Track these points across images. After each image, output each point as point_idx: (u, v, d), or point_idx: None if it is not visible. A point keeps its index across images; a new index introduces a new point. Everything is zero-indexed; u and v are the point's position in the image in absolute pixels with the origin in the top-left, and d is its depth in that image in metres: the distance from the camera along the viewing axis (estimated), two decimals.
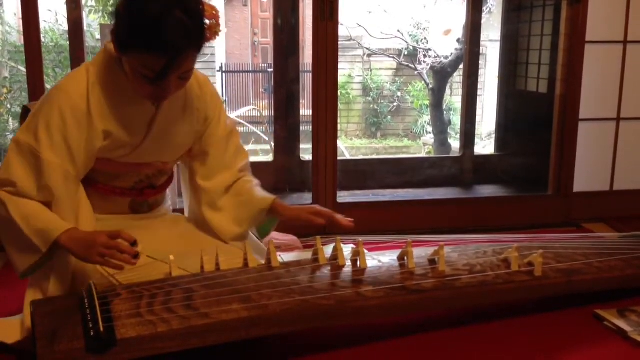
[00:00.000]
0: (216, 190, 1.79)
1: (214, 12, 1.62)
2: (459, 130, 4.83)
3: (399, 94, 8.42)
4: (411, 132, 8.40)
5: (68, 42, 2.80)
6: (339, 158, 2.80)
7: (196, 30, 1.47)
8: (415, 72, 6.74)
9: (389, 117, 8.48)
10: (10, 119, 5.71)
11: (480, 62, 3.67)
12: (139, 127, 1.63)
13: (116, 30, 1.48)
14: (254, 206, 1.77)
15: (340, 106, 2.91)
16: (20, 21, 2.75)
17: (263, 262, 1.72)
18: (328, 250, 1.76)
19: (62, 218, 1.53)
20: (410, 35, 7.08)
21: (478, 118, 5.88)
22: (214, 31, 1.63)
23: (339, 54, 2.70)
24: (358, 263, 1.72)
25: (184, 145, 1.77)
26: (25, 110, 1.76)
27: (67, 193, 1.55)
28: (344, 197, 2.99)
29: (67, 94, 1.55)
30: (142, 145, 1.65)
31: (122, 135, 1.61)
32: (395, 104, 8.43)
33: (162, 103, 1.62)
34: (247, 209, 1.78)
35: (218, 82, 8.50)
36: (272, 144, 3.52)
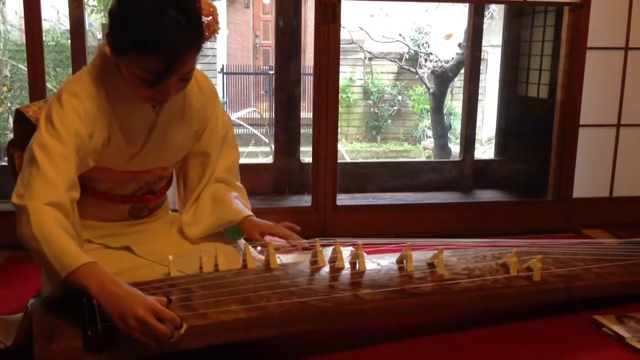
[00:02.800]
0: (199, 190, 1.80)
1: (211, 9, 1.58)
2: (459, 135, 4.83)
3: (399, 97, 8.43)
4: (411, 136, 8.41)
5: (69, 42, 2.80)
6: (339, 161, 2.80)
7: (193, 29, 1.41)
8: (416, 76, 6.75)
9: (390, 120, 8.48)
10: (10, 118, 5.71)
11: (481, 67, 3.68)
12: (139, 134, 1.60)
13: (110, 33, 1.45)
14: (217, 222, 1.77)
15: (340, 109, 2.91)
16: (22, 20, 2.75)
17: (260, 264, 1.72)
18: (327, 252, 1.76)
19: None
20: (412, 39, 7.08)
21: (478, 123, 5.88)
22: (212, 29, 1.58)
23: (340, 57, 2.70)
24: (357, 266, 1.72)
25: (183, 150, 1.75)
26: (19, 115, 1.70)
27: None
28: (343, 200, 2.99)
29: (79, 98, 1.50)
30: (140, 153, 1.62)
31: (122, 142, 1.58)
32: (395, 107, 8.44)
33: (162, 108, 1.59)
34: (217, 216, 1.77)
35: (219, 84, 8.51)
36: (273, 146, 3.52)
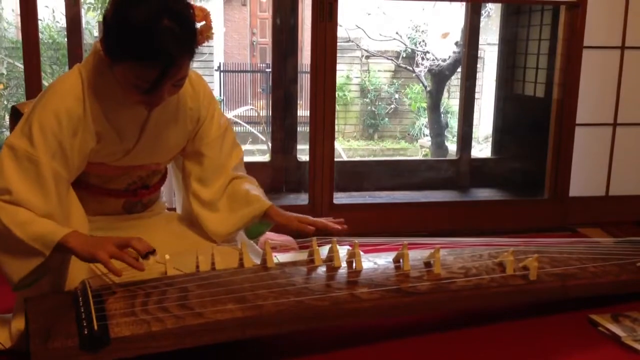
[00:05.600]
0: (212, 192, 1.78)
1: (204, 14, 1.58)
2: (456, 133, 4.83)
3: (396, 96, 8.42)
4: (408, 134, 8.40)
5: (66, 39, 2.79)
6: (335, 159, 2.80)
7: (187, 37, 1.43)
8: (413, 75, 6.75)
9: (387, 119, 8.48)
10: (7, 116, 5.70)
11: (478, 65, 3.68)
12: (131, 131, 1.61)
13: (105, 40, 1.45)
14: (249, 211, 1.76)
15: (337, 107, 2.91)
16: (18, 17, 2.74)
17: (258, 262, 1.72)
18: (324, 251, 1.76)
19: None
20: (409, 38, 7.08)
21: (475, 121, 5.86)
22: (206, 35, 1.59)
23: (337, 55, 2.70)
24: (354, 264, 1.72)
25: (177, 146, 1.75)
26: (14, 111, 1.71)
27: (59, 198, 1.52)
28: (340, 198, 2.99)
29: (62, 97, 1.51)
30: (134, 150, 1.63)
31: (114, 139, 1.59)
32: (392, 106, 8.43)
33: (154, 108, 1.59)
34: (241, 212, 1.76)
35: (216, 82, 8.50)
36: (269, 144, 3.52)
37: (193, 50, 1.47)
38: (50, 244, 1.41)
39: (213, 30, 1.60)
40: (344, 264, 1.72)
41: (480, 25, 3.54)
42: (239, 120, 6.98)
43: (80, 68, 1.56)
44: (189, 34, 1.43)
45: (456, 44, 5.85)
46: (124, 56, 1.41)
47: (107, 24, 1.43)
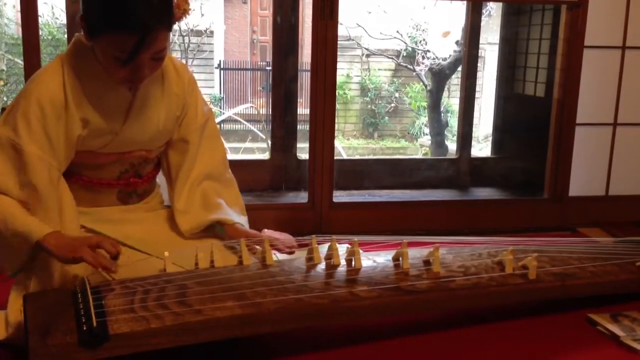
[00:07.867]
0: (190, 183, 1.80)
1: None
2: (456, 132, 4.83)
3: (396, 94, 8.42)
4: (408, 133, 8.40)
5: (65, 36, 2.79)
6: (335, 158, 2.79)
7: (163, 7, 1.48)
8: (414, 74, 6.75)
9: (387, 117, 8.48)
10: None
11: (478, 64, 3.68)
12: (117, 113, 1.63)
13: (84, 15, 1.50)
14: (207, 219, 1.77)
15: (337, 106, 2.91)
16: (18, 14, 2.74)
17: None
18: (323, 249, 1.76)
19: (45, 212, 1.52)
20: (409, 37, 7.07)
21: (475, 120, 5.85)
22: (183, 9, 1.64)
23: (338, 53, 2.70)
24: (353, 263, 1.72)
25: (165, 132, 1.76)
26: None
27: (50, 186, 1.54)
28: (340, 196, 2.98)
29: (44, 85, 1.55)
30: (121, 133, 1.65)
31: (100, 123, 1.61)
32: (392, 104, 8.43)
33: (138, 88, 1.62)
34: (202, 217, 1.78)
35: (216, 80, 8.50)
36: (269, 142, 3.52)
37: (169, 22, 1.52)
38: (29, 243, 1.47)
39: (190, 5, 1.63)
40: (343, 262, 1.72)
41: (481, 25, 3.53)
42: (239, 118, 6.98)
43: (62, 57, 1.61)
44: (164, 4, 1.49)
45: (457, 43, 5.84)
46: (102, 29, 1.46)
47: (86, 0, 1.50)
